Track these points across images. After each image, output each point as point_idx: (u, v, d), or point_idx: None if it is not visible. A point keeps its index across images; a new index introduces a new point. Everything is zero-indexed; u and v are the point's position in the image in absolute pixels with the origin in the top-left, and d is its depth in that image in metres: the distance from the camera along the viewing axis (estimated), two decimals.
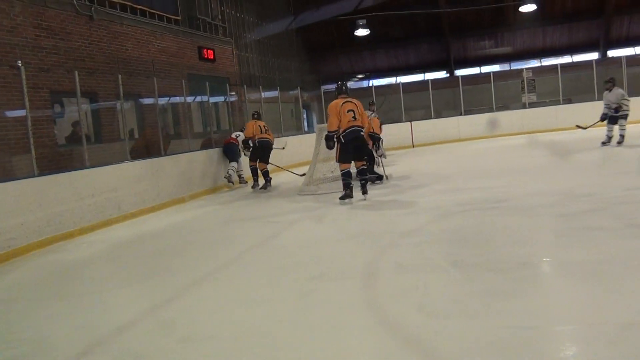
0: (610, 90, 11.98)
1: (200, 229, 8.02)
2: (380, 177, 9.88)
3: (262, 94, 15.12)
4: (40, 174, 7.51)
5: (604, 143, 11.96)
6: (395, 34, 23.93)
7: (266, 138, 11.32)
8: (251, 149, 11.40)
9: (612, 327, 3.07)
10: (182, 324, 3.86)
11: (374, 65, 25.63)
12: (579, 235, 5.15)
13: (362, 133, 8.34)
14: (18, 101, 8.06)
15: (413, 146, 18.52)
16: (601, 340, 2.94)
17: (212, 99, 13.59)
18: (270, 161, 11.40)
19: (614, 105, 11.78)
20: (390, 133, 14.30)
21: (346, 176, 8.29)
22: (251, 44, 19.37)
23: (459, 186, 8.85)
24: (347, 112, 8.21)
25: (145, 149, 10.90)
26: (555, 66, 20.09)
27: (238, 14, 18.51)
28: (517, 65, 23.90)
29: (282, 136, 13.91)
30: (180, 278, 5.12)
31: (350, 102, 8.37)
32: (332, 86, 24.77)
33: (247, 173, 12.14)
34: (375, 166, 10.14)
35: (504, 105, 20.08)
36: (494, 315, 3.41)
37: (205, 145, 12.39)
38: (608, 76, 12.58)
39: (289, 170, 12.05)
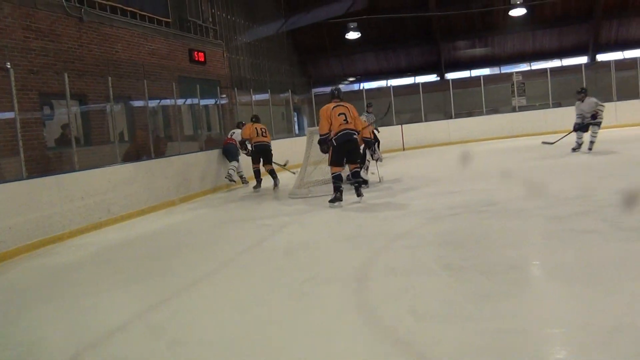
0: (582, 101, 11.83)
1: (191, 232, 7.99)
2: (365, 182, 9.83)
3: (253, 96, 15.10)
4: (29, 177, 7.46)
5: (574, 149, 11.87)
6: (386, 37, 23.99)
7: (262, 141, 11.36)
8: (250, 151, 11.54)
9: (603, 329, 3.08)
10: (173, 328, 3.84)
11: (364, 68, 25.67)
12: (569, 238, 5.17)
13: (355, 136, 8.32)
14: (7, 103, 8.01)
15: (404, 149, 18.56)
16: (592, 343, 2.95)
17: (203, 102, 13.56)
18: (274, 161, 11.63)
19: (588, 115, 11.66)
20: (382, 136, 14.32)
21: (337, 179, 8.31)
22: (242, 46, 19.35)
23: (450, 189, 8.87)
24: (338, 115, 8.23)
25: (137, 153, 10.86)
26: (544, 70, 20.21)
27: (229, 17, 18.49)
28: (507, 69, 24.03)
29: (273, 139, 13.87)
30: (170, 281, 5.09)
31: (342, 106, 8.40)
32: (323, 89, 24.88)
33: (247, 173, 12.24)
34: (362, 170, 10.12)
35: (494, 108, 20.17)
36: (485, 318, 3.42)
37: (197, 148, 12.39)
38: (583, 87, 12.51)
39: (290, 170, 11.97)
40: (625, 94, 18.57)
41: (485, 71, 24.54)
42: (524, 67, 24.24)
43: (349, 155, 8.37)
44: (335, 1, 21.90)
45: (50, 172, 8.77)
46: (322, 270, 4.92)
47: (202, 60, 15.19)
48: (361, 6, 22.43)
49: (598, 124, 11.67)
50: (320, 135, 8.43)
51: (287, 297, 4.28)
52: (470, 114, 19.93)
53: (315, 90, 22.81)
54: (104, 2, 11.72)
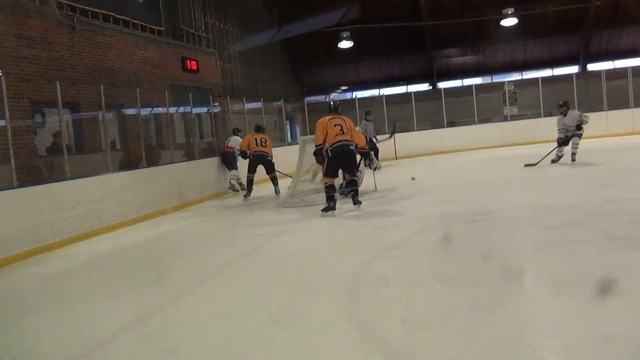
0: (565, 114, 11.66)
1: (183, 240, 7.96)
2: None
3: (246, 105, 15.11)
4: (20, 185, 7.41)
5: (553, 161, 11.74)
6: (379, 47, 24.07)
7: (260, 151, 11.37)
8: (248, 160, 11.55)
9: (595, 340, 3.08)
10: (164, 338, 3.82)
11: (357, 77, 25.74)
12: (561, 247, 5.19)
13: (351, 147, 8.38)
14: None
15: (396, 158, 18.59)
16: (584, 353, 2.96)
17: (195, 110, 13.54)
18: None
19: (571, 128, 11.48)
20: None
21: (329, 189, 8.34)
22: (235, 55, 19.36)
23: (443, 198, 8.89)
24: (334, 126, 8.33)
25: (129, 161, 10.84)
26: (536, 79, 20.33)
27: (222, 25, 18.52)
28: (499, 78, 24.14)
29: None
30: (161, 290, 5.07)
31: (339, 118, 8.50)
32: (316, 98, 24.91)
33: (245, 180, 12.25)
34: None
35: (486, 117, 20.26)
36: (477, 328, 3.42)
37: (189, 156, 12.38)
38: (562, 100, 12.29)
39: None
40: (616, 104, 18.71)
41: (477, 80, 24.65)
42: (515, 76, 24.36)
43: (345, 167, 8.49)
44: (328, 11, 21.99)
45: (42, 180, 8.73)
46: (315, 280, 4.91)
47: (195, 68, 15.19)
48: (354, 15, 22.53)
49: (579, 135, 11.52)
50: (315, 146, 8.55)
51: (279, 306, 4.27)
52: (462, 123, 20.00)
53: (308, 99, 22.88)
54: (96, 10, 11.71)
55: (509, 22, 22.24)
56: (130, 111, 11.62)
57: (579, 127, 11.39)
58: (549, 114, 19.08)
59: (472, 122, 19.75)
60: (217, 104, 15.35)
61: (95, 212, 8.47)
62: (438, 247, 5.67)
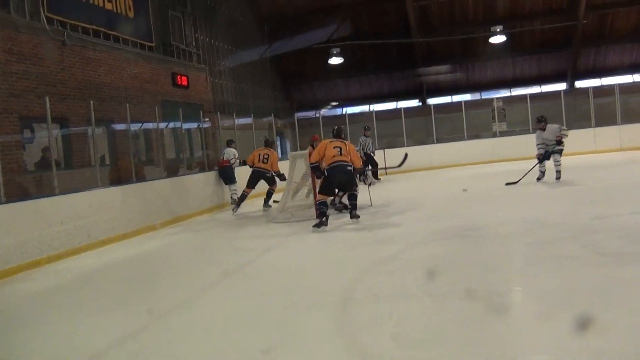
0: (544, 129, 11.43)
1: (172, 256, 7.91)
2: (346, 207, 9.82)
3: (236, 120, 15.12)
4: (8, 201, 7.35)
5: (539, 179, 11.52)
6: (369, 63, 24.20)
7: (260, 168, 11.60)
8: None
9: (585, 356, 3.08)
10: (153, 355, 3.79)
11: (347, 93, 25.83)
12: (550, 263, 5.20)
13: (348, 168, 8.56)
14: None
15: (386, 173, 18.60)
16: None
17: (186, 126, 13.54)
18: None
19: (551, 143, 11.25)
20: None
21: (321, 205, 8.43)
22: (225, 71, 19.40)
23: (433, 214, 8.92)
24: (333, 148, 8.60)
25: (118, 177, 10.80)
26: (524, 96, 20.49)
27: (212, 41, 18.57)
28: (488, 95, 24.31)
29: None
30: (150, 307, 5.01)
31: (340, 141, 8.79)
32: (306, 114, 24.93)
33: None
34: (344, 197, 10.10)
35: (475, 134, 20.36)
36: (467, 344, 3.41)
37: (178, 171, 12.36)
38: (540, 115, 12.11)
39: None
40: (604, 120, 18.88)
41: (467, 97, 24.81)
42: (504, 93, 24.55)
43: (341, 187, 8.82)
44: (318, 27, 22.13)
45: (30, 196, 8.66)
46: (305, 296, 4.89)
47: (185, 84, 15.19)
48: (344, 32, 22.68)
49: (560, 152, 11.29)
50: (310, 164, 8.93)
51: (269, 322, 4.24)
52: (452, 139, 20.09)
53: (298, 115, 22.93)
54: (87, 26, 11.71)
55: (498, 39, 22.45)
56: (120, 126, 11.59)
57: (559, 142, 11.19)
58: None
59: (462, 139, 19.84)
60: (207, 119, 15.35)
61: (84, 227, 8.41)
62: (429, 263, 5.67)
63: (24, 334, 4.61)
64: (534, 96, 20.72)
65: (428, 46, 23.58)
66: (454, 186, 13.39)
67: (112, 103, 11.69)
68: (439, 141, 19.94)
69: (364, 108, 25.26)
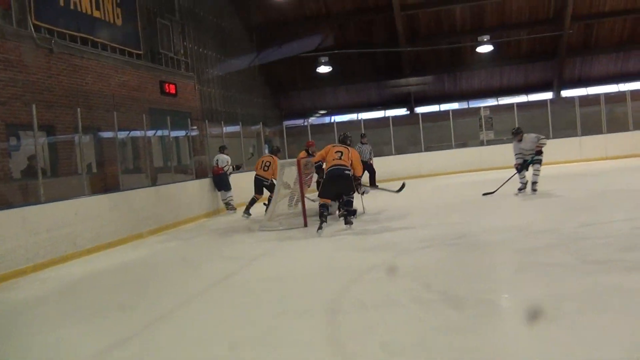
0: (520, 140, 11.12)
1: (159, 265, 7.86)
2: (354, 212, 9.78)
3: (224, 128, 15.10)
4: None
5: (520, 189, 11.15)
6: (357, 72, 24.29)
7: (259, 176, 11.81)
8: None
9: None
10: None
11: (335, 101, 25.90)
12: (537, 271, 5.22)
13: (346, 172, 8.81)
14: None
15: (365, 184, 18.64)
16: None
17: (173, 134, 13.50)
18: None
19: (529, 153, 10.99)
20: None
21: (321, 207, 8.84)
22: (214, 79, 19.39)
23: (421, 222, 8.93)
24: (335, 152, 8.97)
25: (105, 185, 10.74)
26: (511, 105, 20.63)
27: (201, 49, 18.57)
28: (475, 104, 24.48)
29: (243, 171, 13.91)
30: (137, 316, 4.99)
31: (343, 147, 9.15)
32: (295, 122, 24.93)
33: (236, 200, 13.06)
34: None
35: (463, 142, 20.47)
36: (454, 352, 3.42)
37: (166, 179, 12.30)
38: (515, 127, 11.92)
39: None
40: (589, 129, 19.06)
41: (454, 106, 24.96)
42: (491, 102, 24.73)
43: (339, 190, 8.90)
44: (307, 36, 22.21)
45: (15, 204, 8.57)
46: (292, 304, 4.88)
47: (173, 92, 15.16)
48: (332, 41, 22.78)
49: (539, 161, 10.97)
50: (314, 163, 9.51)
51: (257, 332, 4.22)
52: (439, 148, 20.17)
53: (286, 123, 22.94)
54: (74, 33, 11.67)
55: (485, 49, 22.62)
56: (107, 134, 11.53)
57: (539, 152, 10.93)
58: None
59: (449, 147, 19.94)
60: (195, 127, 15.32)
61: (70, 236, 8.34)
62: (416, 271, 5.68)
63: (8, 343, 4.56)
64: (520, 105, 20.86)
65: (416, 55, 23.72)
66: (441, 194, 13.47)
67: (100, 111, 11.64)
68: (426, 150, 20.02)
69: (352, 116, 25.35)
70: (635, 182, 11.77)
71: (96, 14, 12.44)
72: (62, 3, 11.38)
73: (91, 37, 12.19)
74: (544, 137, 11.16)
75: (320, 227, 8.53)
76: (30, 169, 9.82)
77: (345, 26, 23.12)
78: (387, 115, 23.85)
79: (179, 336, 4.33)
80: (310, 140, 12.17)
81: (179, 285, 6.26)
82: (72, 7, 11.67)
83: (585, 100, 20.44)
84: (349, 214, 8.84)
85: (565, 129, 19.50)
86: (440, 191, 14.35)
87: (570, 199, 10.03)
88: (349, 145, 9.37)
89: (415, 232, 8.06)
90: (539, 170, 10.96)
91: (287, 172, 10.49)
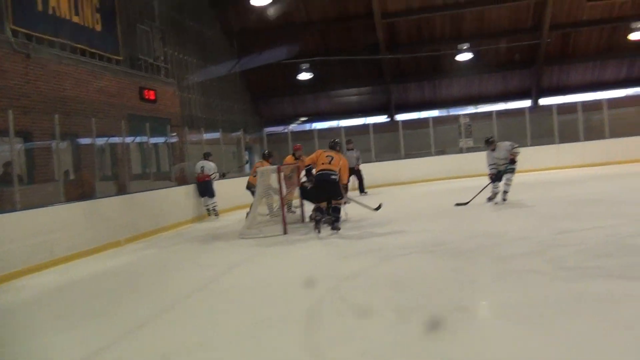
0: (494, 149, 10.95)
1: (137, 273, 7.79)
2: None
3: (204, 135, 15.04)
4: None
5: (490, 199, 11.10)
6: (338, 79, 24.37)
7: (250, 182, 11.90)
8: None
9: None
10: None
11: (316, 108, 25.93)
12: (514, 278, 5.28)
13: (332, 177, 9.03)
14: None
15: (356, 189, 18.67)
16: None
17: (153, 140, 13.42)
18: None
19: (503, 162, 10.81)
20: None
21: (314, 210, 9.29)
22: (194, 85, 19.33)
23: (400, 229, 8.95)
24: (326, 156, 9.26)
25: (82, 192, 10.62)
26: (490, 112, 20.81)
27: (181, 56, 18.50)
28: (454, 111, 24.64)
29: (224, 178, 13.87)
30: (114, 325, 4.93)
31: (334, 152, 9.44)
32: (275, 128, 24.85)
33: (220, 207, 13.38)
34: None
35: (442, 149, 20.60)
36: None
37: (144, 186, 12.20)
38: (488, 136, 11.64)
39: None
40: (567, 137, 19.31)
41: (434, 113, 25.10)
42: (470, 109, 24.92)
43: (328, 194, 9.11)
44: (288, 43, 22.25)
45: None
46: (271, 312, 4.86)
47: (153, 98, 15.08)
48: (314, 47, 22.84)
49: (513, 171, 10.83)
50: (305, 166, 9.67)
51: (235, 340, 4.20)
52: (419, 155, 20.28)
53: (267, 130, 22.92)
54: (52, 38, 11.57)
55: (464, 57, 22.81)
56: (85, 141, 11.42)
57: (512, 161, 10.78)
58: None
59: (429, 154, 20.07)
60: (175, 134, 15.23)
61: (47, 244, 8.24)
62: (395, 279, 5.69)
63: None
64: (499, 113, 21.05)
65: (396, 63, 23.87)
66: (421, 201, 13.54)
67: (78, 117, 11.54)
68: (407, 157, 20.11)
69: (333, 123, 25.39)
70: (610, 190, 11.93)
71: (75, 19, 12.36)
72: (40, 8, 11.29)
73: (70, 43, 12.09)
74: (517, 145, 11.02)
75: (317, 229, 8.98)
76: (6, 175, 9.68)
77: (327, 33, 23.19)
78: (367, 122, 23.93)
79: (156, 345, 4.29)
80: (297, 144, 12.18)
81: (156, 293, 6.21)
82: (50, 12, 11.58)
83: (563, 108, 20.69)
84: (336, 220, 9.07)
85: (543, 137, 19.73)
86: (420, 198, 14.42)
87: (546, 207, 10.12)
88: (338, 151, 9.64)
89: (395, 239, 8.08)
90: (511, 181, 10.87)
91: (267, 180, 10.47)
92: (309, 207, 10.42)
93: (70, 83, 11.90)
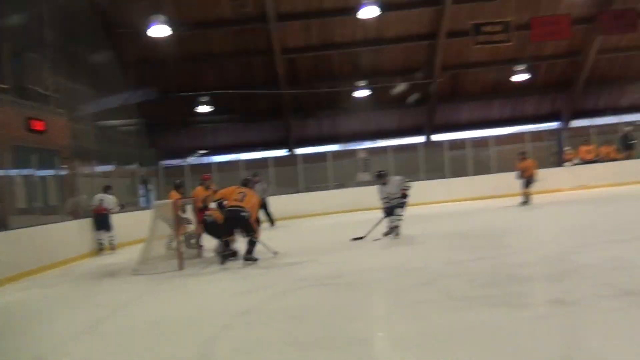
0: (386, 184, 11.05)
1: (17, 315, 7.25)
2: (234, 254, 9.72)
3: (97, 168, 14.45)
4: None
5: (386, 233, 10.97)
6: (238, 112, 24.26)
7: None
8: None
9: None
10: None
11: (215, 141, 25.62)
12: (408, 309, 5.39)
13: (242, 214, 9.21)
14: None
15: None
16: None
17: (40, 173, 12.71)
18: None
19: (394, 196, 10.87)
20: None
21: (221, 244, 9.49)
22: (87, 116, 18.52)
23: (296, 262, 8.94)
24: (238, 193, 9.48)
25: None
26: (386, 147, 21.49)
27: (73, 85, 17.74)
28: (353, 146, 25.17)
29: (122, 211, 13.41)
30: None
31: (247, 190, 9.70)
32: (173, 162, 24.27)
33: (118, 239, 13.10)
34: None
35: (341, 183, 20.96)
36: None
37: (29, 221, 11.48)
38: (381, 169, 11.54)
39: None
40: (457, 172, 20.28)
41: (333, 147, 25.50)
42: (368, 144, 25.55)
43: (237, 229, 9.46)
44: (186, 75, 22.00)
45: None
46: (164, 353, 4.68)
47: (42, 129, 14.30)
48: (213, 80, 22.70)
49: (403, 205, 10.88)
50: (215, 200, 9.93)
51: None
52: (318, 188, 20.52)
53: (163, 163, 22.37)
54: None
55: (361, 93, 23.48)
56: None
57: (404, 195, 10.87)
58: None
59: (328, 188, 20.35)
60: (65, 166, 14.52)
61: None
62: (292, 313, 5.64)
63: None
64: (395, 148, 21.78)
65: (296, 98, 24.14)
66: (319, 234, 13.63)
67: None
68: (306, 190, 20.27)
69: (232, 157, 25.18)
70: (496, 222, 12.59)
71: None
72: None
73: None
74: (408, 180, 11.16)
75: (222, 262, 9.25)
76: None
77: (226, 67, 23.12)
78: (267, 156, 23.96)
79: None
80: (206, 174, 12.10)
81: (39, 337, 5.80)
82: None
83: (453, 144, 21.75)
84: (249, 252, 9.22)
85: (436, 171, 20.59)
86: (318, 231, 14.51)
87: (437, 239, 10.46)
88: (251, 188, 9.97)
89: (292, 272, 8.07)
90: (400, 216, 10.89)
91: (162, 214, 10.18)
92: (208, 242, 10.28)
93: None
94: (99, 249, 12.86)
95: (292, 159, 23.22)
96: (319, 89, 23.71)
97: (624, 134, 20.74)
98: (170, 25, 17.14)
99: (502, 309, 5.07)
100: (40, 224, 11.34)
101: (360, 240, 10.94)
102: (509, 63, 23.12)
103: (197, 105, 22.31)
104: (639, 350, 3.83)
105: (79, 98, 17.99)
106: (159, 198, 18.44)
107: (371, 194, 17.36)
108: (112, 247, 13.01)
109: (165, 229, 10.43)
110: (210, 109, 22.62)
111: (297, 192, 20.22)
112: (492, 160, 20.22)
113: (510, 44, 20.82)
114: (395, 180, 11.07)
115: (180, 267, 9.21)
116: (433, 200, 18.78)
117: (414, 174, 19.16)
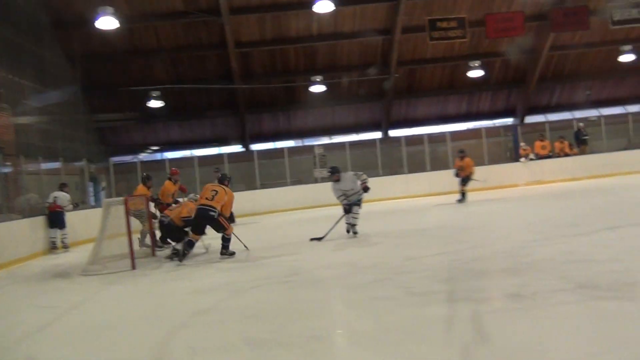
0: (338, 180, 10.49)
1: None
2: (177, 255, 9.46)
3: (43, 165, 13.90)
4: None
5: (348, 231, 10.55)
6: (191, 107, 23.84)
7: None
8: None
9: None
10: None
11: (168, 137, 25.08)
12: (366, 305, 5.30)
13: (210, 213, 9.02)
14: None
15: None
16: None
17: None
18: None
19: (351, 192, 10.38)
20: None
21: (186, 243, 9.23)
22: (32, 111, 17.79)
23: (253, 260, 8.82)
24: (211, 191, 9.28)
25: None
26: (344, 143, 21.43)
27: (17, 79, 17.01)
28: (309, 142, 25.01)
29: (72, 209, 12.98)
30: None
31: (220, 187, 9.48)
32: (123, 158, 23.69)
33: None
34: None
35: (298, 179, 20.79)
36: None
37: None
38: (332, 166, 11.19)
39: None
40: (414, 167, 20.35)
41: (290, 143, 25.32)
42: (325, 140, 25.43)
43: (196, 227, 9.24)
44: (136, 69, 21.45)
45: None
46: (116, 355, 4.49)
47: None
48: (165, 75, 22.22)
49: (359, 203, 10.47)
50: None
51: None
52: (275, 185, 20.33)
53: (114, 159, 21.79)
54: None
55: (317, 88, 23.33)
56: None
57: (366, 188, 10.39)
58: None
59: (285, 184, 20.17)
60: (9, 163, 13.93)
61: None
62: (248, 311, 5.49)
63: None
64: (352, 144, 21.75)
65: (251, 92, 23.85)
66: (276, 232, 13.48)
67: None
68: (263, 187, 20.05)
69: (186, 153, 24.68)
70: (454, 217, 12.72)
71: None
72: None
73: None
74: (362, 172, 10.64)
75: (179, 259, 9.03)
76: None
77: (178, 61, 22.65)
78: (222, 152, 23.62)
79: None
80: (174, 168, 11.94)
81: None
82: None
83: (410, 140, 21.84)
84: (224, 248, 9.24)
85: (393, 167, 20.63)
86: (275, 228, 14.34)
87: (395, 235, 10.43)
88: (226, 185, 9.75)
89: (248, 271, 7.93)
90: (358, 214, 10.48)
91: (113, 212, 9.79)
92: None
93: None
94: (52, 248, 12.59)
95: (247, 155, 22.96)
96: (275, 84, 23.51)
97: (578, 130, 21.25)
98: (119, 18, 16.63)
99: (461, 303, 5.00)
100: None
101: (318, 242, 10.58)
102: (465, 59, 23.36)
103: (149, 100, 21.78)
104: (591, 341, 3.82)
105: (24, 92, 17.26)
106: (109, 196, 17.94)
107: (328, 191, 17.31)
108: (65, 246, 12.81)
109: (136, 225, 10.23)
110: (162, 104, 22.12)
111: (254, 188, 19.96)
112: (449, 156, 20.34)
113: (465, 40, 21.02)
114: (348, 175, 10.60)
115: (133, 266, 8.89)
116: (391, 196, 18.82)
117: (372, 170, 19.13)
